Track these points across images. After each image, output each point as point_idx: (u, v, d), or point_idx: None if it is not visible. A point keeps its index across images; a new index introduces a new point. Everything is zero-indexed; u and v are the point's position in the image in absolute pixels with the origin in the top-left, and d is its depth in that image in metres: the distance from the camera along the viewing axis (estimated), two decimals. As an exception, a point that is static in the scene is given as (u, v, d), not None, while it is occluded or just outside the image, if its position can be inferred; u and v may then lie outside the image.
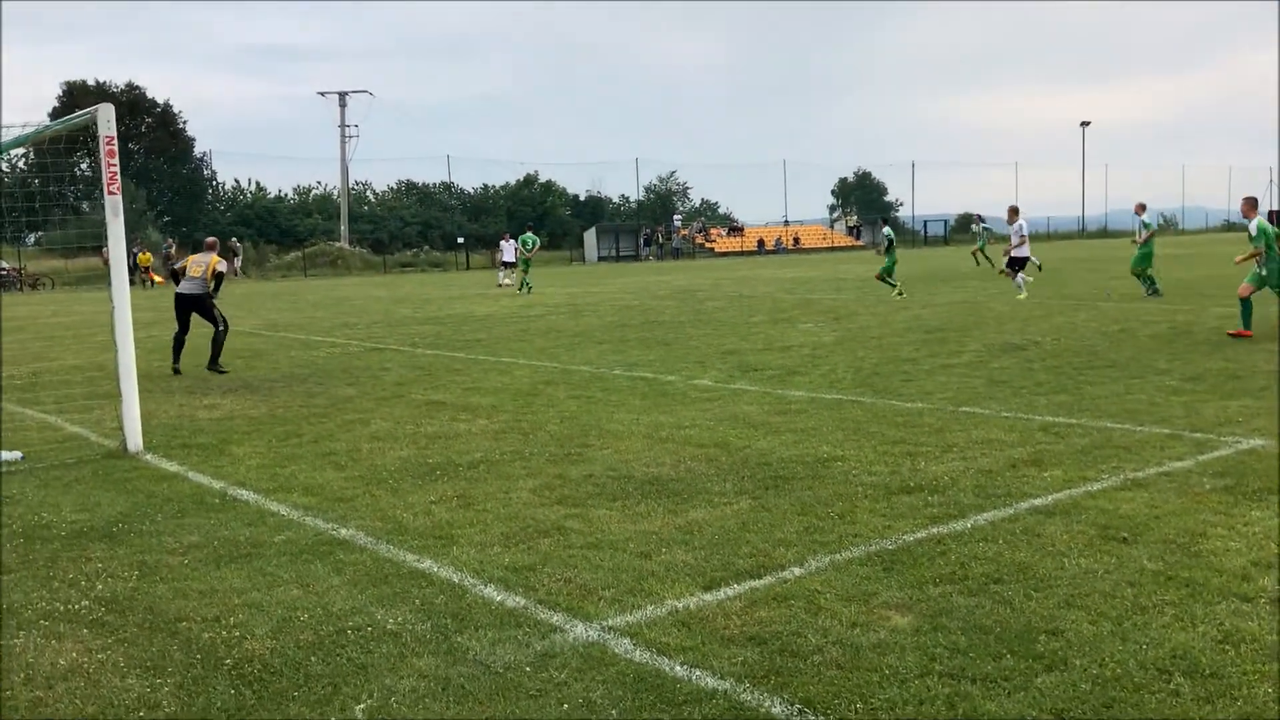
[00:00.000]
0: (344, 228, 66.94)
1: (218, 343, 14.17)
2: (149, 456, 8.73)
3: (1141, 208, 22.96)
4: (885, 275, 24.17)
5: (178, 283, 14.36)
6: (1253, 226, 14.97)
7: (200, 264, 14.15)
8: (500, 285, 35.83)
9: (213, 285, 14.11)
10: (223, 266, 14.23)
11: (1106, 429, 8.53)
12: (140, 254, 43.47)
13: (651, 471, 7.51)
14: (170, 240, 58.79)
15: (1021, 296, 21.59)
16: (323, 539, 6.14)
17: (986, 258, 35.94)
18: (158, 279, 40.05)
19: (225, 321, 14.33)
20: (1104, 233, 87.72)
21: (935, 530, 5.87)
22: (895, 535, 5.81)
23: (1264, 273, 14.72)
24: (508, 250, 38.52)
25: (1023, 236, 22.21)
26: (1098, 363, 12.36)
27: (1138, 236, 22.43)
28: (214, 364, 14.07)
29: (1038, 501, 6.40)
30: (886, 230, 26.11)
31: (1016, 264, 22.33)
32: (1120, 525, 5.85)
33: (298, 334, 19.93)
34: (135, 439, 8.90)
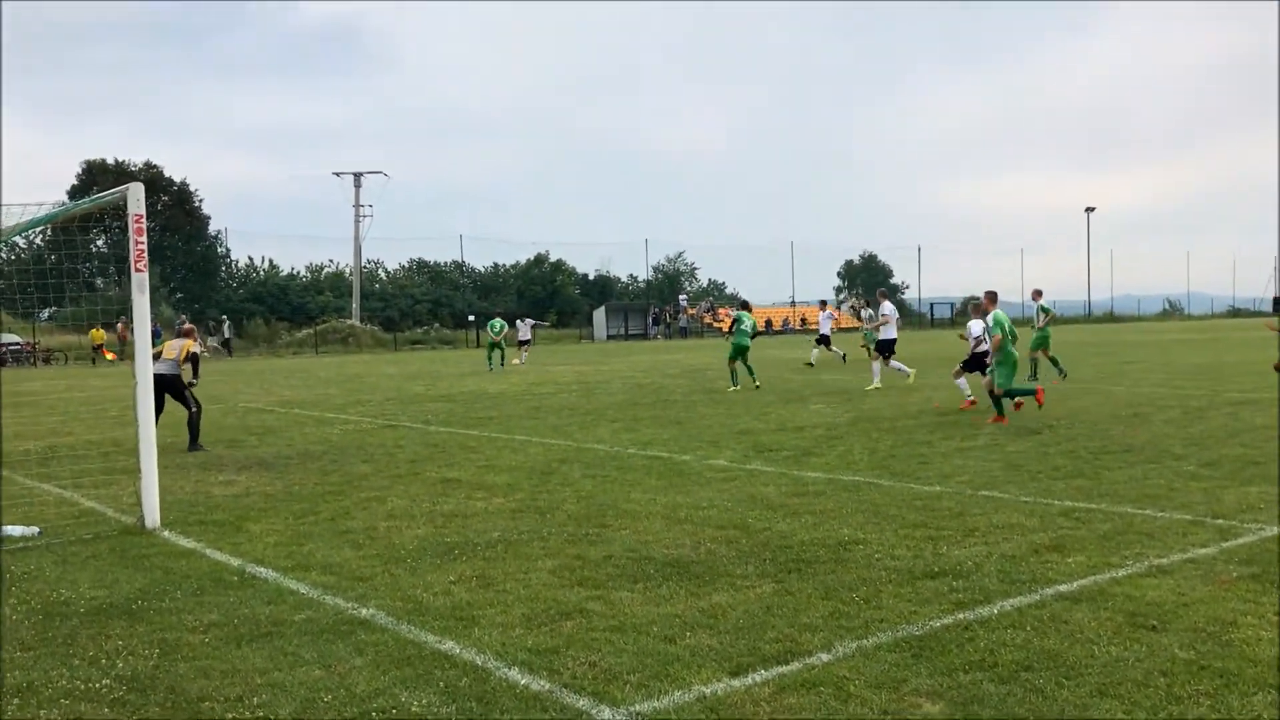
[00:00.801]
0: (356, 305, 67.43)
1: (193, 425, 14.32)
2: (166, 533, 8.71)
3: (1038, 294, 23.54)
4: (874, 348, 23.51)
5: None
6: (989, 319, 15.49)
7: (175, 347, 14.48)
8: (517, 362, 36.18)
9: (189, 369, 14.49)
10: (197, 348, 14.65)
11: (1127, 514, 8.49)
12: (95, 329, 43.75)
13: (671, 553, 7.48)
14: (183, 317, 59.32)
15: (875, 385, 21.35)
16: (343, 618, 6.10)
17: (865, 347, 33.44)
18: (109, 355, 40.13)
19: (198, 404, 14.49)
20: (1111, 317, 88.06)
21: (962, 616, 5.82)
22: (922, 621, 5.76)
23: (996, 362, 15.17)
24: (524, 329, 38.92)
25: (978, 339, 17.45)
26: (1113, 447, 12.33)
27: (1037, 321, 22.87)
28: (194, 445, 14.20)
29: (1063, 588, 6.35)
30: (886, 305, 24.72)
31: (885, 347, 22.04)
32: (1148, 613, 5.79)
33: (311, 410, 19.97)
34: (153, 515, 8.89)
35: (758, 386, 21.85)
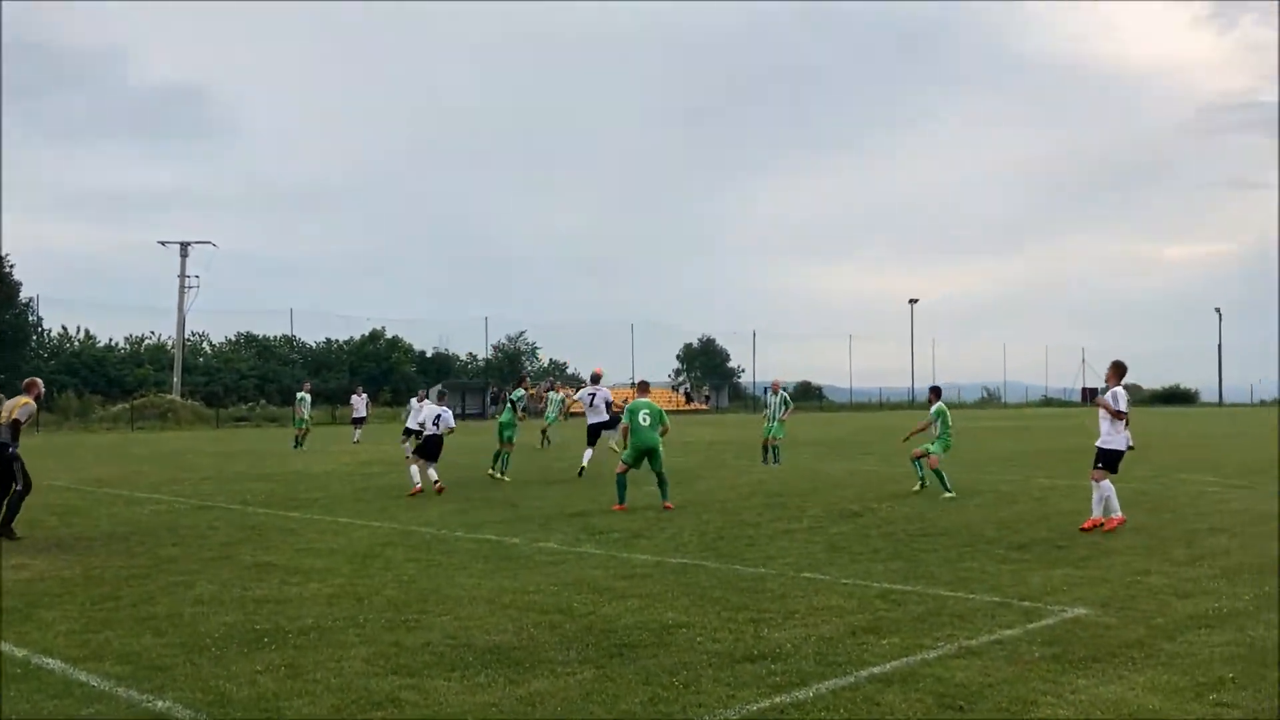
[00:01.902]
0: (177, 379, 64.66)
1: (14, 505, 12.41)
2: (-57, 622, 8.03)
3: (778, 386, 23.82)
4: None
5: None
6: (933, 410, 17.38)
7: (7, 409, 12.45)
8: (355, 441, 35.20)
9: (9, 434, 12.34)
10: (23, 414, 12.42)
11: (941, 596, 8.75)
12: None
13: (492, 639, 7.31)
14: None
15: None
16: (137, 712, 5.72)
17: (545, 436, 32.04)
18: None
19: (28, 481, 12.52)
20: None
21: (779, 699, 5.85)
22: (739, 705, 5.76)
23: (933, 445, 16.98)
24: (359, 405, 37.55)
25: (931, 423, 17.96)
26: (930, 530, 12.75)
27: (781, 413, 23.19)
28: (5, 528, 12.30)
29: (877, 669, 6.47)
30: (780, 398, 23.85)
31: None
32: (956, 694, 5.94)
33: (120, 490, 18.92)
34: (-71, 602, 8.19)
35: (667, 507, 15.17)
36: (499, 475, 20.22)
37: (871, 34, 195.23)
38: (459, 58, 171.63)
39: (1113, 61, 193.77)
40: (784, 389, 23.87)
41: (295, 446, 31.97)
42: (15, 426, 12.42)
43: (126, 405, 56.79)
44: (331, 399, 66.50)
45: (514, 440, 20.93)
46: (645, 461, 15.16)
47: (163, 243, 67.34)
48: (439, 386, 40.24)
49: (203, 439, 41.55)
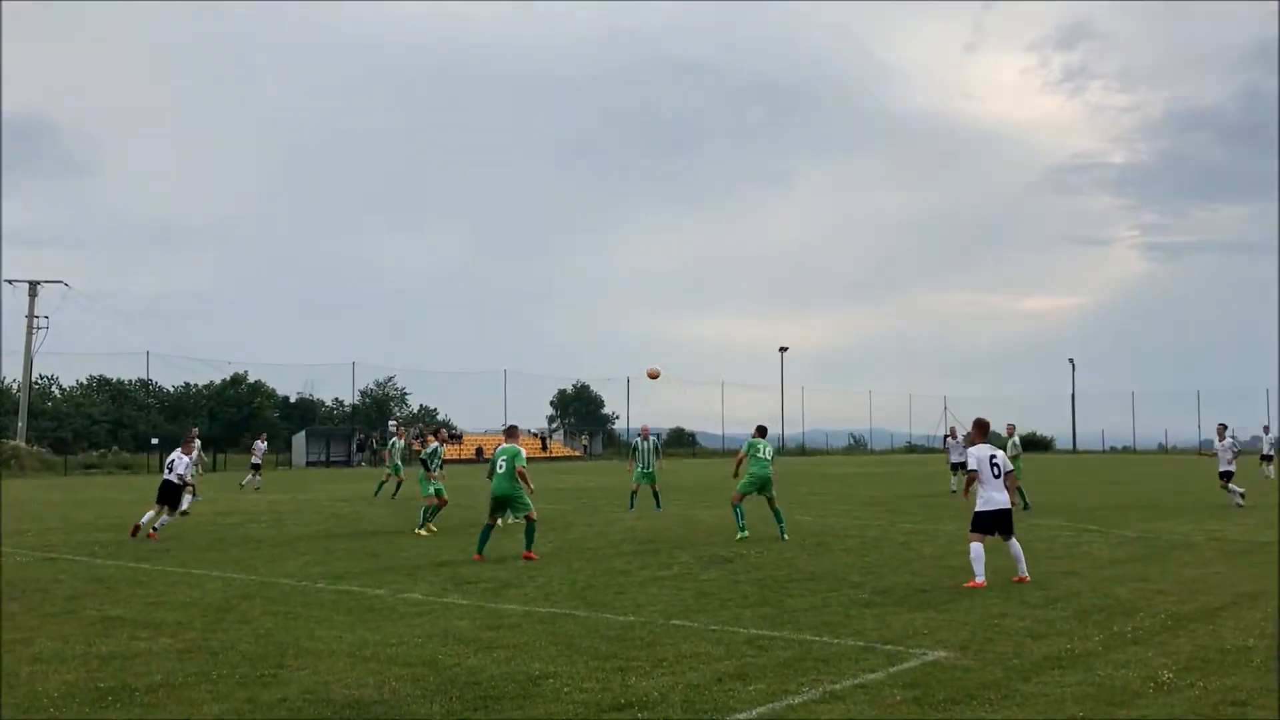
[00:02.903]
0: (22, 424, 61.52)
1: None
2: None
3: (646, 432, 23.96)
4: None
5: None
6: (753, 444, 17.71)
7: None
8: (243, 485, 34.17)
9: None
10: None
11: (806, 641, 8.83)
12: None
13: (352, 694, 7.07)
14: None
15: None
16: (-40, 782, 5.33)
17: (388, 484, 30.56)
18: None
19: None
20: (802, 450, 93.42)
21: (645, 750, 5.78)
22: (605, 756, 5.67)
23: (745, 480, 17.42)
24: (258, 451, 36.35)
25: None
26: (798, 575, 12.89)
27: (655, 460, 23.47)
28: None
29: (743, 716, 6.47)
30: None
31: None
32: (821, 739, 5.97)
33: (-45, 541, 17.82)
34: None
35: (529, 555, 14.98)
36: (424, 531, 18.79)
37: (741, 92, 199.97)
38: (324, 96, 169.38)
39: (967, 122, 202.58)
40: (653, 435, 23.98)
41: (387, 494, 29.58)
42: None
43: (-34, 452, 53.77)
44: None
45: (435, 494, 19.62)
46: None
47: (10, 281, 64.22)
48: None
49: (49, 487, 39.55)
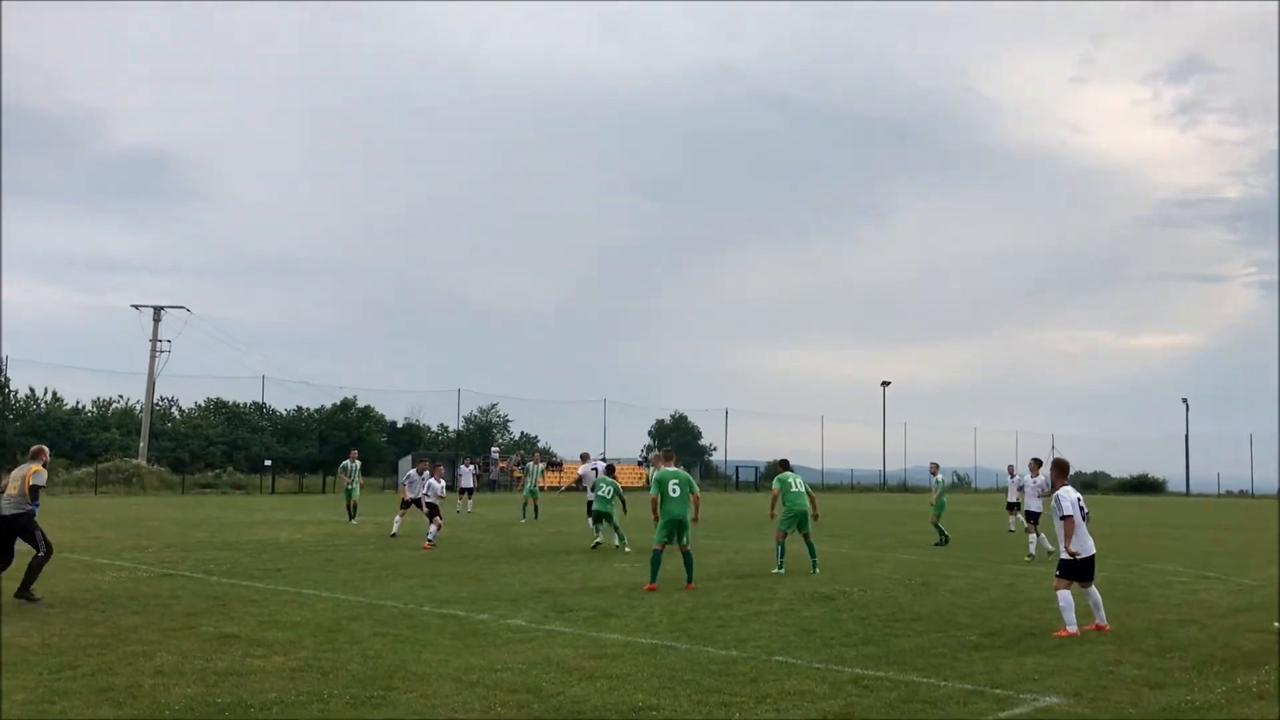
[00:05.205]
0: (144, 444, 63.90)
1: (34, 568, 12.74)
2: (-107, 689, 7.82)
3: (935, 467, 25.82)
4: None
5: None
6: (785, 479, 17.34)
7: (18, 479, 12.94)
8: (458, 511, 33.82)
9: (29, 499, 12.87)
10: (39, 479, 12.99)
11: (913, 683, 8.67)
12: None
13: (459, 719, 7.16)
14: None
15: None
16: (89, 789, 5.55)
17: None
18: None
19: (49, 546, 13.00)
20: (904, 487, 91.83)
21: (750, 787, 5.75)
22: (710, 792, 5.65)
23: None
24: (466, 475, 35.53)
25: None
26: (903, 615, 12.67)
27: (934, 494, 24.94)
28: (24, 591, 12.59)
29: (850, 757, 6.38)
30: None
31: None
32: (930, 784, 5.86)
33: (82, 555, 18.56)
34: (-121, 668, 7.97)
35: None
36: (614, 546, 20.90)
37: (837, 126, 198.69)
38: (436, 133, 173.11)
39: (1073, 156, 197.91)
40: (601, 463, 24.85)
41: (530, 516, 30.95)
42: (35, 492, 13.02)
43: (91, 469, 56.04)
44: (300, 468, 65.89)
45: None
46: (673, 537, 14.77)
47: (136, 306, 66.94)
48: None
49: (167, 505, 40.98)
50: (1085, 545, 11.69)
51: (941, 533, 23.95)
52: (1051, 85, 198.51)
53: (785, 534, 17.51)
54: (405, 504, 24.21)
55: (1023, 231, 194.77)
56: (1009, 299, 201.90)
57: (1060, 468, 12.35)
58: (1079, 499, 11.79)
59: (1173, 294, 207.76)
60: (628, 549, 20.15)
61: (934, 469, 25.85)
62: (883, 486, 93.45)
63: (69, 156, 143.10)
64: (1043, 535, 20.84)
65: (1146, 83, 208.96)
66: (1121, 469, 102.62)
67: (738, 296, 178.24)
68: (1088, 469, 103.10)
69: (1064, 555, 11.71)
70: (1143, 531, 32.52)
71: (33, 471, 13.08)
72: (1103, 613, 11.79)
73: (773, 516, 17.83)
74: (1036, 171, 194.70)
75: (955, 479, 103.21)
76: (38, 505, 13.12)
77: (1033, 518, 21.04)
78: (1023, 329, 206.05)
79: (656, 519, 14.94)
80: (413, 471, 24.61)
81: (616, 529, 20.99)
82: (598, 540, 21.13)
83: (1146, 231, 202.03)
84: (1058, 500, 11.77)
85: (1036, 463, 21.92)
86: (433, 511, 22.00)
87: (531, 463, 33.20)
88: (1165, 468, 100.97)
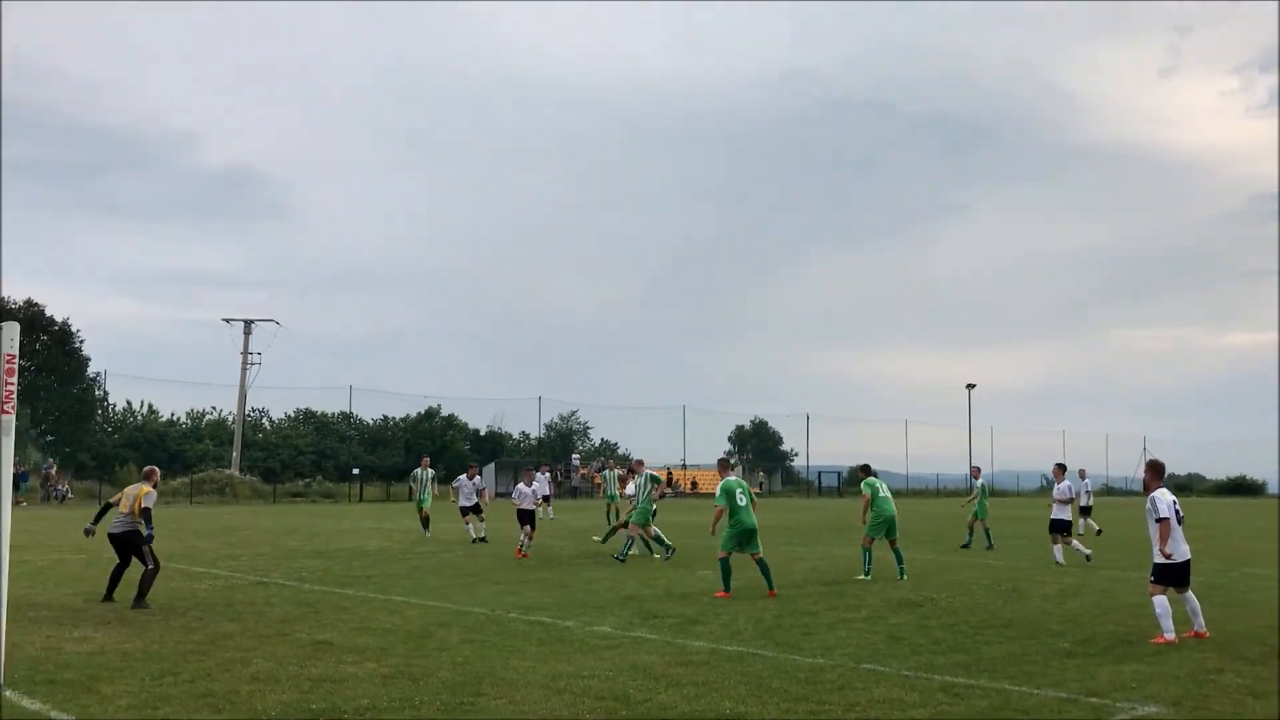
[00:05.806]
0: (236, 454, 65.51)
1: (146, 581, 13.26)
2: (9, 693, 8.14)
3: (977, 471, 28.10)
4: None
5: (97, 520, 13.89)
6: (717, 488, 15.35)
7: (130, 498, 13.50)
8: (551, 516, 34.13)
9: (142, 522, 13.41)
10: (149, 500, 13.47)
11: (1005, 691, 8.53)
12: None
13: (548, 724, 7.23)
14: (51, 461, 56.80)
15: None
16: (193, 792, 5.71)
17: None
18: None
19: (157, 561, 13.53)
20: (992, 491, 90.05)
21: (841, 796, 5.71)
22: (800, 800, 5.62)
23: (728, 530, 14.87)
24: (542, 483, 32.72)
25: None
26: (993, 622, 12.46)
27: (973, 496, 25.71)
28: (139, 602, 13.08)
29: (942, 767, 6.30)
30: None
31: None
32: (1025, 794, 5.76)
33: (179, 564, 19.10)
34: (-6, 673, 8.29)
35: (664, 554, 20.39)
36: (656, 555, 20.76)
37: (916, 127, 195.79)
38: (509, 143, 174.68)
39: (1160, 150, 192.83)
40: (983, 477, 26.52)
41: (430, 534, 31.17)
42: (147, 514, 13.47)
43: (186, 479, 57.59)
44: (386, 476, 66.89)
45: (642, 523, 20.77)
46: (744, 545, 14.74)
47: (227, 320, 68.70)
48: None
49: (259, 514, 41.96)
50: (1180, 549, 11.38)
51: (987, 536, 24.44)
52: (1134, 79, 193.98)
53: (873, 540, 17.29)
54: (464, 511, 25.27)
55: (1108, 229, 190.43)
56: (1095, 298, 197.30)
57: (1155, 469, 11.99)
58: (1174, 501, 11.49)
59: (1266, 289, 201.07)
60: (622, 559, 19.80)
61: (975, 473, 27.42)
62: (970, 490, 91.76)
63: (158, 174, 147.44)
64: (1074, 543, 20.71)
65: (1238, 72, 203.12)
66: (1217, 470, 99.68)
67: (817, 300, 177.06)
68: (1181, 471, 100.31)
69: (1159, 559, 11.41)
70: (1240, 535, 31.54)
71: (144, 493, 13.53)
72: (1201, 619, 11.47)
73: (864, 522, 17.65)
74: (1122, 167, 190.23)
75: (1043, 482, 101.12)
76: (152, 530, 13.54)
77: (1058, 526, 20.22)
78: (1110, 328, 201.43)
79: (716, 530, 15.25)
80: (463, 477, 26.21)
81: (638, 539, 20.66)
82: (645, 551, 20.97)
83: (1238, 227, 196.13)
84: (1153, 502, 11.47)
85: (1061, 468, 21.43)
86: (526, 518, 21.50)
87: (608, 470, 33.16)
88: (1262, 469, 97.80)
